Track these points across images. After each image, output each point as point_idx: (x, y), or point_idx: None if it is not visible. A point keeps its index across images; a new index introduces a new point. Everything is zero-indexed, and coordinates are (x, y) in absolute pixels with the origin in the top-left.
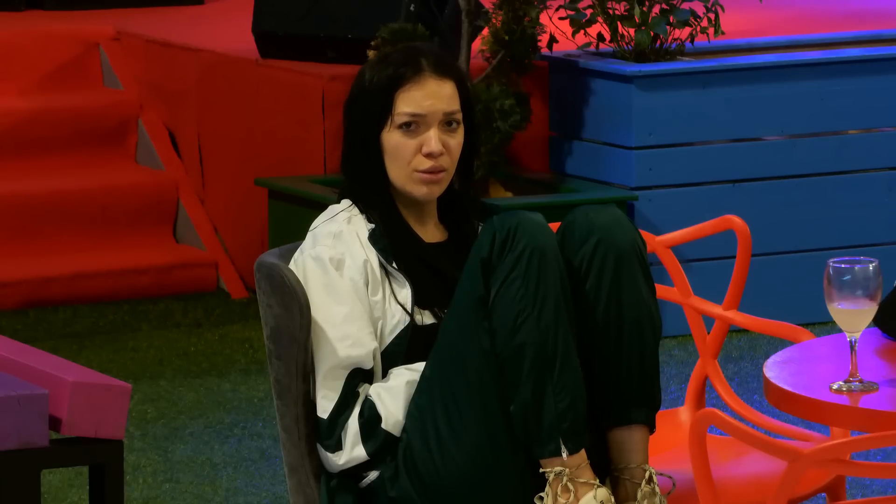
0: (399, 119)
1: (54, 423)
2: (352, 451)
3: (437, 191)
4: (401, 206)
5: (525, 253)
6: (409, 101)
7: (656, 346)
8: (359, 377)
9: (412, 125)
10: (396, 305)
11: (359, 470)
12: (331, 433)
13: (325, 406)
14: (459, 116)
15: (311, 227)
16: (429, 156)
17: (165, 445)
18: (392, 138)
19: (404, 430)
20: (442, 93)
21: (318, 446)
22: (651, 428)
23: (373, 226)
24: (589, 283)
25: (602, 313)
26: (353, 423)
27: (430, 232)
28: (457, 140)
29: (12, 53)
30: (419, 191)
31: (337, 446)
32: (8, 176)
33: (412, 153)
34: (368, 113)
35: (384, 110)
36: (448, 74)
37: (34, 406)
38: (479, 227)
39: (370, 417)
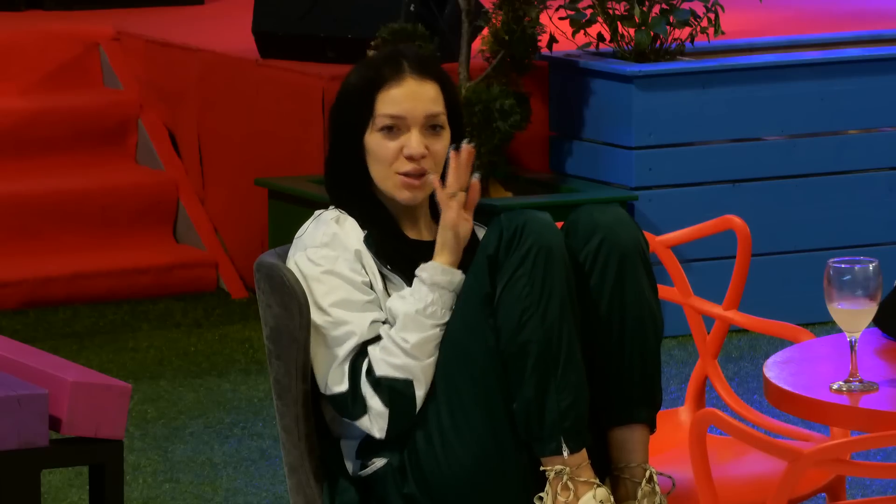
0: (380, 121)
1: (54, 423)
2: (374, 408)
3: (421, 195)
4: (389, 206)
5: (532, 251)
6: (390, 103)
7: (658, 346)
8: (357, 350)
9: (393, 128)
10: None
11: (367, 456)
12: (354, 400)
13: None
14: (443, 119)
15: (298, 235)
16: (410, 158)
17: (165, 445)
18: (374, 140)
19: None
20: (423, 94)
21: (346, 420)
22: (651, 427)
23: (365, 232)
24: (592, 281)
25: (605, 312)
26: (365, 386)
27: (423, 230)
28: (442, 144)
29: (12, 53)
30: (401, 195)
31: (363, 411)
32: (8, 176)
33: (394, 156)
34: (351, 116)
35: (365, 112)
36: (430, 76)
37: (34, 406)
38: (473, 226)
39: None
